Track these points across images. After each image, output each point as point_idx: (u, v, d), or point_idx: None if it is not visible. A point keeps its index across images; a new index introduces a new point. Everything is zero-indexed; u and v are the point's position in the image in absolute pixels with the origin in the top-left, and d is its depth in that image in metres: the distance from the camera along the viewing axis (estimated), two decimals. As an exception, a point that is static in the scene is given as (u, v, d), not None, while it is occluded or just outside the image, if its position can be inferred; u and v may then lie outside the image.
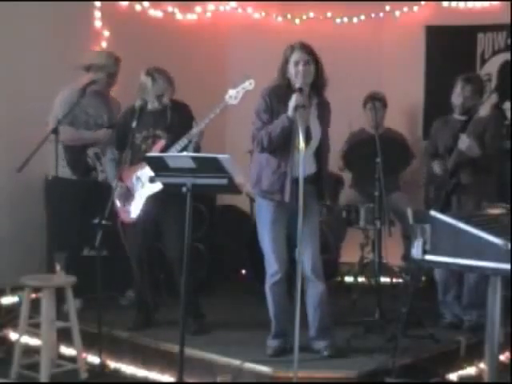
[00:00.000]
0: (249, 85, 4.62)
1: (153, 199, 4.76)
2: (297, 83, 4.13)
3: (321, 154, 4.31)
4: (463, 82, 5.03)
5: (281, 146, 4.18)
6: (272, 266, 4.35)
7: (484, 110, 4.75)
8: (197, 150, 4.71)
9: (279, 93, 4.20)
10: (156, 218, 4.84)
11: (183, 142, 4.67)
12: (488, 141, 4.94)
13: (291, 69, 4.17)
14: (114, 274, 5.25)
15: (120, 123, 5.02)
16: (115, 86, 5.60)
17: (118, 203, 4.85)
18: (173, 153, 4.62)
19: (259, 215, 4.40)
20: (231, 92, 4.64)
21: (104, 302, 4.47)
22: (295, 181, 4.09)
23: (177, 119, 4.84)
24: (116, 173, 4.90)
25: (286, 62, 4.20)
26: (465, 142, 4.83)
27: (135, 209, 4.81)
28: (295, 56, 4.16)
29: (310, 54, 4.16)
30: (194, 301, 4.80)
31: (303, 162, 3.86)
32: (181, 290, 3.93)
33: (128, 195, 4.84)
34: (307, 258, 4.27)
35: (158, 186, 4.60)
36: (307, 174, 4.11)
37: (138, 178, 4.82)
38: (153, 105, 4.86)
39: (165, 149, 4.73)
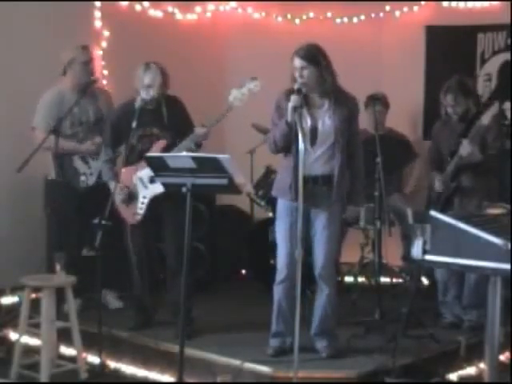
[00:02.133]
0: (254, 86, 4.61)
1: (153, 200, 4.75)
2: (295, 85, 4.17)
3: (335, 153, 4.27)
4: (442, 95, 5.02)
5: (289, 147, 4.19)
6: (279, 265, 4.37)
7: (486, 119, 4.74)
8: (198, 145, 4.68)
9: (290, 95, 4.20)
10: (156, 219, 4.83)
11: (187, 143, 4.61)
12: (489, 144, 4.92)
13: (294, 73, 4.23)
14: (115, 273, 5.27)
15: (113, 121, 4.92)
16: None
17: (122, 207, 4.81)
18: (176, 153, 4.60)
19: (276, 214, 4.42)
20: (235, 93, 4.61)
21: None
22: (308, 180, 4.10)
23: (173, 116, 4.79)
24: (113, 174, 4.87)
25: (292, 67, 4.25)
26: (466, 148, 4.80)
27: (141, 209, 4.78)
28: (294, 63, 4.23)
29: (307, 60, 4.18)
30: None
31: (302, 162, 3.86)
32: (181, 290, 3.94)
33: (131, 197, 4.80)
34: (316, 259, 4.31)
35: (161, 188, 4.49)
36: (317, 174, 4.21)
37: (140, 179, 4.78)
38: (144, 96, 4.70)
39: (166, 148, 4.71)
